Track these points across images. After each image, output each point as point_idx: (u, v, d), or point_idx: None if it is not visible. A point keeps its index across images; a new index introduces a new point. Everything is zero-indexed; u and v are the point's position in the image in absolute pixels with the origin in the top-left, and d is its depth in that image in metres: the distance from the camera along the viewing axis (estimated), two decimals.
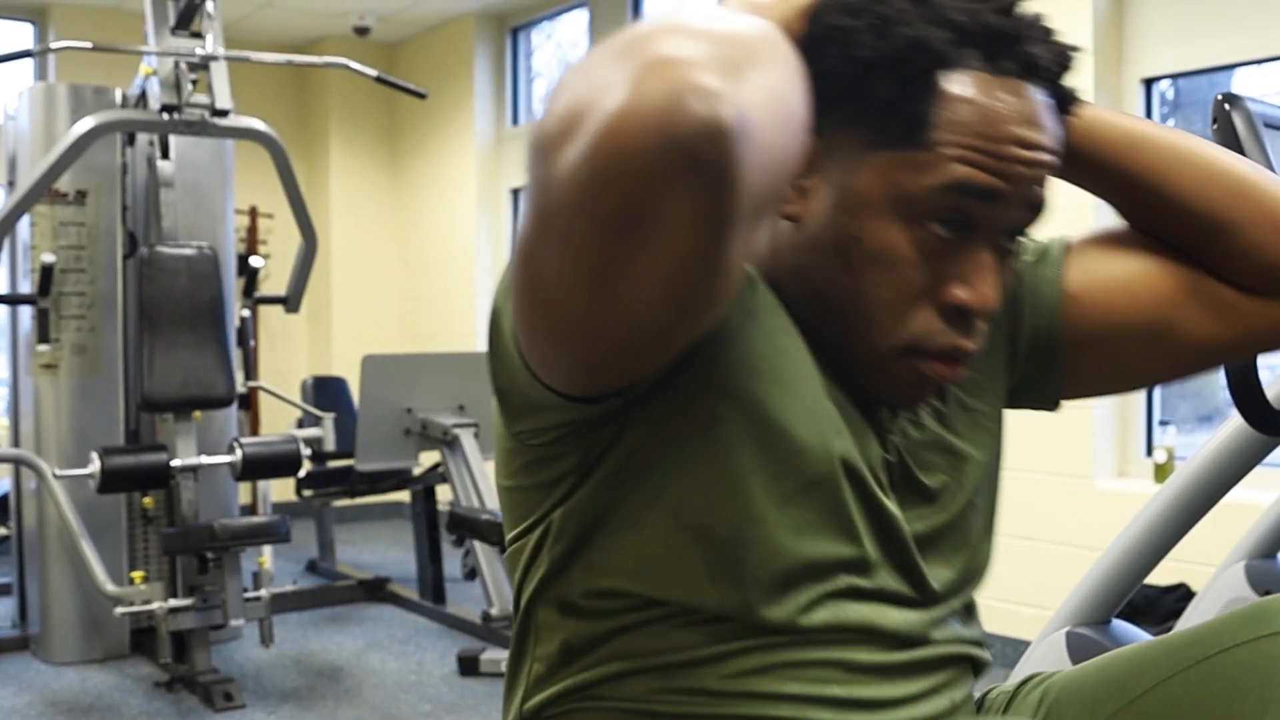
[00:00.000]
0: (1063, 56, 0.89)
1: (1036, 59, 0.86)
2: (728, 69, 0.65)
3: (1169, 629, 2.43)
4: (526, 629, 0.96)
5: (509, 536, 0.97)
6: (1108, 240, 1.05)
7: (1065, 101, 0.91)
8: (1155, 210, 1.01)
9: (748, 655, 0.88)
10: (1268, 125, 1.22)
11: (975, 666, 1.00)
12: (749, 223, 0.70)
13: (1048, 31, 0.88)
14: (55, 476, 3.56)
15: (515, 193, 6.27)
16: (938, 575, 0.95)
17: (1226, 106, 1.21)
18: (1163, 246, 1.02)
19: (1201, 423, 3.73)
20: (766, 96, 0.68)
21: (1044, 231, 1.01)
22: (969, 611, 1.01)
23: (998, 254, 0.88)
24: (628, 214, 0.66)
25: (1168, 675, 0.92)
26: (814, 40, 0.86)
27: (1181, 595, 3.26)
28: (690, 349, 0.83)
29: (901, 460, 0.95)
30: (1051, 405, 1.09)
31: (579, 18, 5.95)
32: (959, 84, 0.84)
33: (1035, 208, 0.88)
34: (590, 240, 0.68)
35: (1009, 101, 0.85)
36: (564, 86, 0.69)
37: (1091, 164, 1.01)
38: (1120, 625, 1.80)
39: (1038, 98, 0.87)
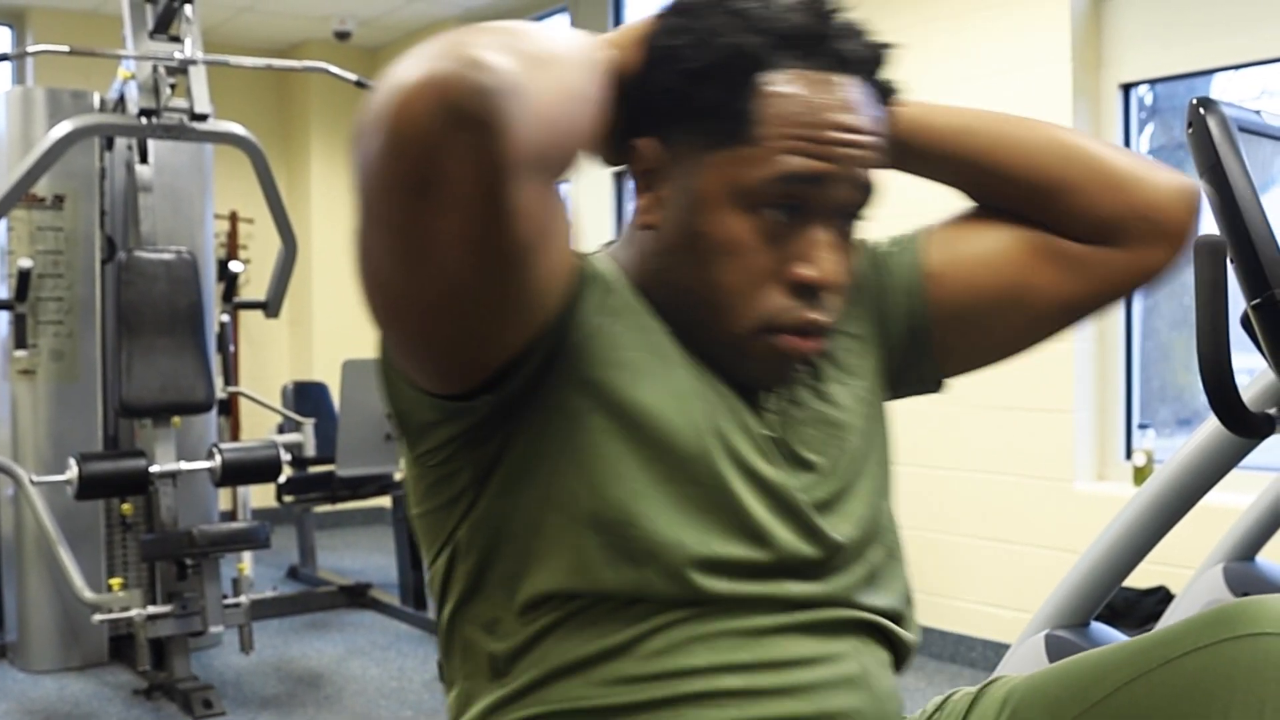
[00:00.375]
0: (874, 50, 0.97)
1: (848, 53, 0.95)
2: (514, 54, 0.75)
3: (1148, 631, 2.43)
4: (451, 648, 1.01)
5: (426, 563, 1.03)
6: (963, 220, 1.13)
7: (885, 92, 0.99)
8: (994, 187, 1.09)
9: (655, 636, 0.93)
10: (1243, 129, 1.23)
11: (892, 642, 1.03)
12: (532, 174, 0.77)
13: (858, 30, 0.97)
14: (33, 483, 3.53)
15: None
16: (840, 530, 1.00)
17: (1201, 111, 1.22)
18: (1011, 219, 1.10)
19: (1181, 426, 3.74)
20: (547, 76, 0.77)
21: (913, 225, 1.13)
22: (877, 577, 1.04)
23: (836, 232, 0.96)
24: (419, 176, 0.75)
25: (1130, 678, 0.93)
26: (651, 63, 0.95)
27: (1161, 598, 3.27)
28: (553, 351, 0.92)
29: (784, 436, 1.01)
30: (935, 386, 1.15)
31: (560, 22, 5.95)
32: (778, 82, 0.93)
33: (863, 188, 0.96)
34: (395, 208, 0.77)
35: (825, 92, 0.93)
36: (379, 85, 0.77)
37: (927, 154, 1.09)
38: (1099, 628, 1.80)
39: (853, 87, 0.95)
